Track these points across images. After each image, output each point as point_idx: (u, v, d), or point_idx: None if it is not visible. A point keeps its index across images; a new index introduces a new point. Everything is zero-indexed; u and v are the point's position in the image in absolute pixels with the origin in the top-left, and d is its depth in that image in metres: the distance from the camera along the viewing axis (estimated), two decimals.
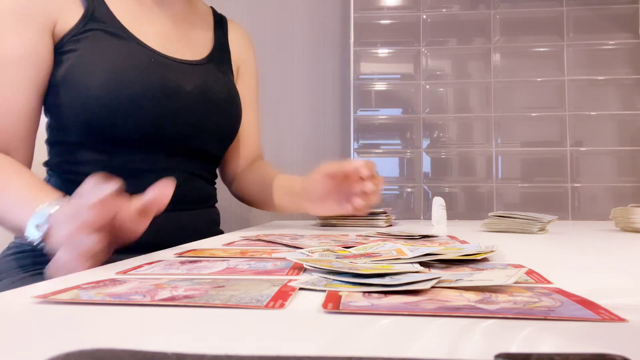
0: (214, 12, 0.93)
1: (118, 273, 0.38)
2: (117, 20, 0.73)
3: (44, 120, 0.75)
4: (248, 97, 0.95)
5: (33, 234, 0.52)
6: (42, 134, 0.76)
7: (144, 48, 0.73)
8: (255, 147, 0.98)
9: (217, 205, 0.90)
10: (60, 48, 0.69)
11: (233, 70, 0.91)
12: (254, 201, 0.94)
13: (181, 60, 0.78)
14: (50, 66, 0.69)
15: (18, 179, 0.60)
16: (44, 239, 0.51)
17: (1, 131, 0.65)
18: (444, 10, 1.33)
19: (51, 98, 0.71)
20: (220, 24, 0.92)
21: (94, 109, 0.67)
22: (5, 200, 0.58)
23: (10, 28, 0.66)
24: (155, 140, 0.73)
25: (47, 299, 0.29)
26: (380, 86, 1.33)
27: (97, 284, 0.33)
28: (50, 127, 0.75)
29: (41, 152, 0.76)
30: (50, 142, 0.75)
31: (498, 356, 0.18)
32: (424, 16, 1.33)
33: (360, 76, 1.34)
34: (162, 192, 0.48)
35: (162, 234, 0.73)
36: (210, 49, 0.86)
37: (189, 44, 0.82)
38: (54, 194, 0.56)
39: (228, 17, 0.97)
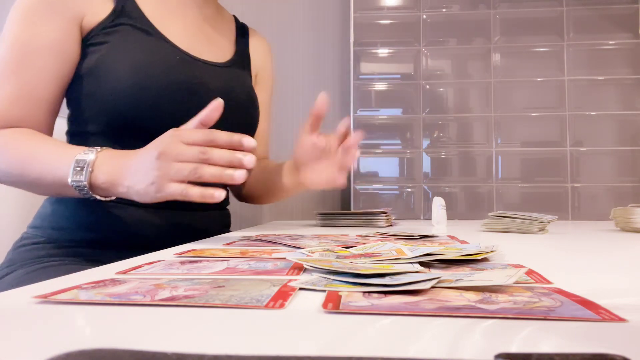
0: (236, 20, 0.96)
1: (118, 273, 0.38)
2: (145, 17, 0.74)
3: (65, 112, 0.76)
4: (263, 103, 0.97)
5: (77, 179, 0.59)
6: (63, 125, 0.77)
7: (171, 45, 0.75)
8: (264, 152, 1.00)
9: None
10: (89, 40, 0.71)
11: (252, 76, 0.94)
12: (260, 194, 0.94)
13: (205, 60, 0.80)
14: (76, 58, 0.71)
15: (47, 141, 0.66)
16: (89, 183, 0.59)
17: (23, 117, 0.67)
18: (444, 10, 1.33)
19: (76, 89, 0.72)
20: (242, 31, 0.95)
21: (118, 100, 0.69)
22: (41, 158, 0.63)
23: (38, 18, 0.67)
24: None
25: (47, 299, 0.29)
26: (380, 86, 1.33)
27: (97, 284, 0.33)
28: (71, 119, 0.76)
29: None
30: (70, 133, 0.77)
31: (498, 356, 0.18)
32: (424, 16, 1.33)
33: (360, 76, 1.34)
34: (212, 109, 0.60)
35: (174, 232, 0.74)
36: (233, 53, 0.88)
37: (213, 47, 0.84)
38: (84, 147, 0.63)
39: None
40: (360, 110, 1.33)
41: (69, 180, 0.60)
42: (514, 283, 0.32)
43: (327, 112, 0.75)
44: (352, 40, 1.34)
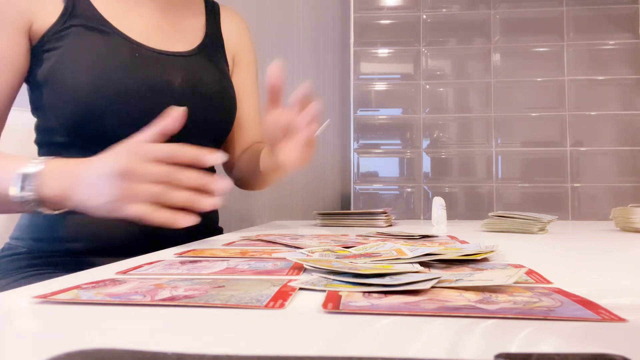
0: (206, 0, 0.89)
1: (118, 273, 0.38)
2: (99, 14, 0.70)
3: (32, 120, 0.74)
4: (247, 86, 0.91)
5: (17, 192, 0.54)
6: (31, 134, 0.75)
7: (129, 42, 0.71)
8: (256, 136, 0.93)
9: None
10: (42, 47, 0.67)
11: (228, 60, 0.88)
12: (250, 180, 0.88)
13: (169, 52, 0.75)
14: (23, 69, 0.68)
15: None
16: (36, 195, 0.54)
17: None
18: (444, 10, 1.33)
19: (36, 99, 0.70)
20: (212, 11, 0.88)
21: (79, 110, 0.66)
22: None
23: None
24: None
25: (47, 299, 0.29)
26: (380, 86, 1.33)
27: (97, 284, 0.33)
28: (38, 129, 0.73)
29: (32, 152, 0.76)
30: (38, 143, 0.74)
31: (498, 356, 0.18)
32: (424, 16, 1.33)
33: (360, 76, 1.34)
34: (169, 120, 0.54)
35: (156, 235, 0.73)
36: (202, 38, 0.82)
37: (179, 35, 0.79)
38: (27, 157, 0.57)
39: None
40: (360, 110, 1.33)
41: (14, 194, 0.54)
42: (514, 283, 0.32)
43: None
44: (352, 40, 1.34)
